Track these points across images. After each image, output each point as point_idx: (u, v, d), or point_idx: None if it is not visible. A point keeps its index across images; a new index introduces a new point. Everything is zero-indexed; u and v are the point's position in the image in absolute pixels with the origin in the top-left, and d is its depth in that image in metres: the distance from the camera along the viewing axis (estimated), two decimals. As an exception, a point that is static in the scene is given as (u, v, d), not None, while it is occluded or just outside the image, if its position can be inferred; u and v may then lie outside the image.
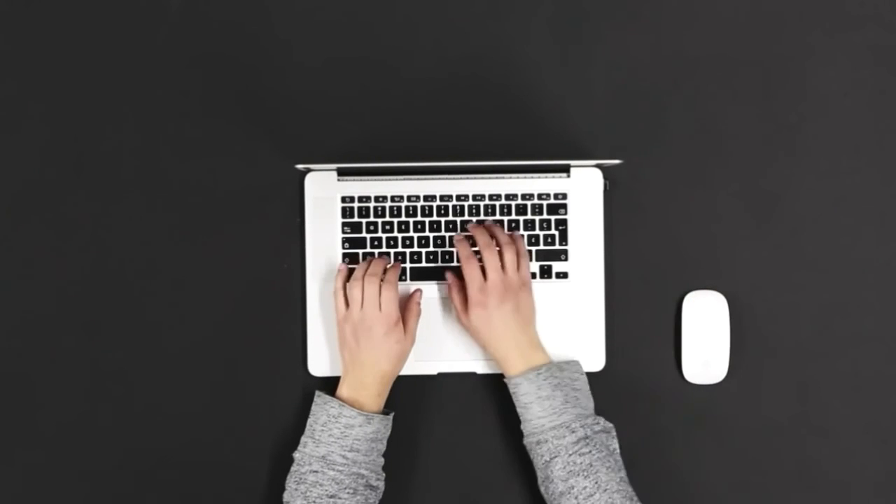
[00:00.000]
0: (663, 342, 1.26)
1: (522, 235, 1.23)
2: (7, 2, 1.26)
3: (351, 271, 1.21)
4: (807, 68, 1.26)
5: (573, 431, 1.12)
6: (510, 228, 1.23)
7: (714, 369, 1.24)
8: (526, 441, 1.16)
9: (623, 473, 1.13)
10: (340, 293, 1.19)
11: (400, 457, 1.21)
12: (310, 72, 1.26)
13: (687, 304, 1.24)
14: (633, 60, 1.26)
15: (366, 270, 1.18)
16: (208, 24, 1.26)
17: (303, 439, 1.16)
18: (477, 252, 1.18)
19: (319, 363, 1.24)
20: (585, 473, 1.11)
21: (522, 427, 1.16)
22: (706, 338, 1.24)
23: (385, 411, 1.18)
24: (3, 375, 1.25)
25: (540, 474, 1.14)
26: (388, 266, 1.20)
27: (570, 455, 1.11)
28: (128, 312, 1.25)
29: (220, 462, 1.25)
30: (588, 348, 1.24)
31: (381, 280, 1.17)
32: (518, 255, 1.18)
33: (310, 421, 1.16)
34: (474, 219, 1.24)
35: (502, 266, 1.17)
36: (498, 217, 1.24)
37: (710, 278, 1.26)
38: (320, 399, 1.16)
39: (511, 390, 1.17)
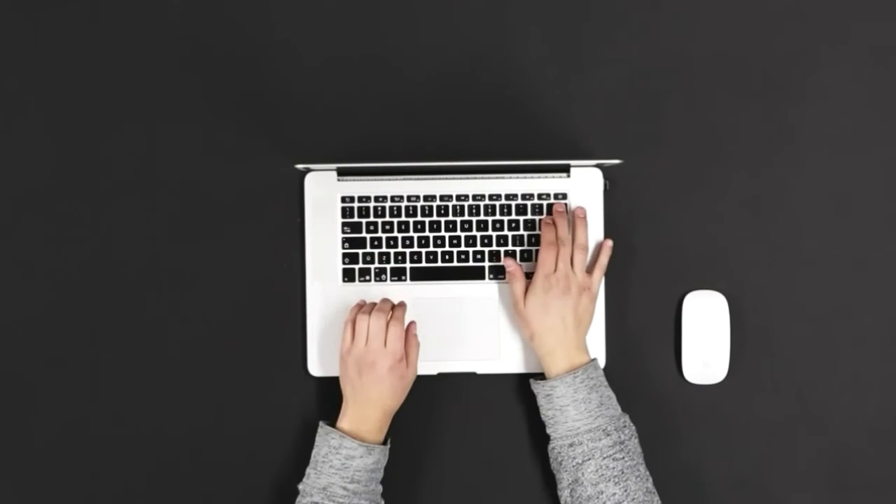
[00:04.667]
0: (663, 342, 1.26)
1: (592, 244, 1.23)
2: (7, 1, 1.26)
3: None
4: (807, 68, 1.26)
5: (608, 435, 1.12)
6: (511, 228, 1.23)
7: (714, 369, 1.24)
8: (555, 444, 1.15)
9: (650, 483, 1.13)
10: (349, 325, 1.18)
11: (399, 457, 1.21)
12: (310, 71, 1.26)
13: (687, 304, 1.24)
14: (632, 60, 1.26)
15: (373, 306, 1.18)
16: (208, 24, 1.26)
17: (307, 470, 1.15)
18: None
19: (319, 363, 1.24)
20: (616, 480, 1.11)
21: (552, 431, 1.15)
22: (706, 338, 1.24)
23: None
24: (2, 376, 1.25)
25: (567, 477, 1.13)
26: (396, 304, 1.20)
27: (605, 458, 1.11)
28: (127, 313, 1.25)
29: (218, 462, 1.25)
30: (588, 348, 1.23)
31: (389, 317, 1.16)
32: (595, 264, 1.20)
33: (313, 451, 1.15)
34: (560, 203, 1.23)
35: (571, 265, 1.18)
36: (498, 217, 1.24)
37: (710, 278, 1.25)
38: (322, 430, 1.16)
39: (545, 393, 1.16)
